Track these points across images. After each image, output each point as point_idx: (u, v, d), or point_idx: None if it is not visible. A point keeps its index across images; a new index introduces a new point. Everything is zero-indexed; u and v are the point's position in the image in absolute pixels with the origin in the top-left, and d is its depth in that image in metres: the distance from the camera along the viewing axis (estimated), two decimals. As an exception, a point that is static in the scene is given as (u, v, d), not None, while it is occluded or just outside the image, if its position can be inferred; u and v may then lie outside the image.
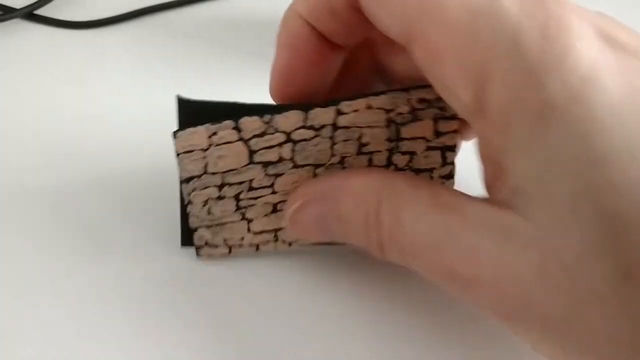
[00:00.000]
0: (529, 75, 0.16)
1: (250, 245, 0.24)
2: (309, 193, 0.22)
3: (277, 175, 0.22)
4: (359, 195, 0.20)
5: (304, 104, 0.21)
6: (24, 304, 0.24)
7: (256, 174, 0.22)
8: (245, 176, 0.22)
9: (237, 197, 0.23)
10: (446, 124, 0.22)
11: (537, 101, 0.16)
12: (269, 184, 0.22)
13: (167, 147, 0.29)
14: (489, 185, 0.19)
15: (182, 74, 0.34)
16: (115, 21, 0.37)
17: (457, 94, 0.17)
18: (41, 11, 0.36)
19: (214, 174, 0.22)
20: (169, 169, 0.25)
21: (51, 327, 0.23)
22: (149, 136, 0.30)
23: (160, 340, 0.23)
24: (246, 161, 0.22)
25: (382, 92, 0.21)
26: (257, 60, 0.35)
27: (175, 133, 0.21)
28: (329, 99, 0.21)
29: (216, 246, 0.24)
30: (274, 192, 0.23)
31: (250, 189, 0.22)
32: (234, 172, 0.22)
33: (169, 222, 0.25)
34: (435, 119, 0.22)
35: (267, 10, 0.39)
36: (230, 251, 0.24)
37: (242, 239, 0.24)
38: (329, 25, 0.21)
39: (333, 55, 0.22)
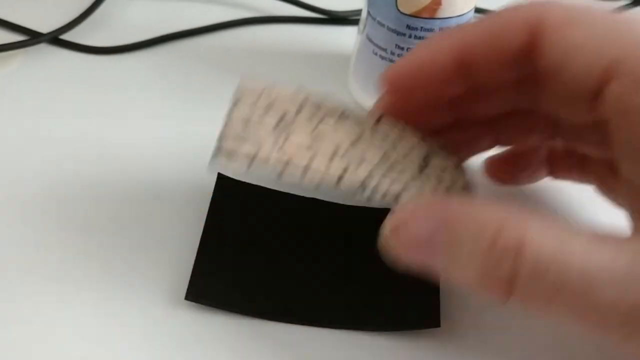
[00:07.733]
0: None
1: (277, 162, 0.22)
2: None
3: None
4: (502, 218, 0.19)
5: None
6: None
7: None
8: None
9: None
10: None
11: None
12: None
13: (190, 174, 0.29)
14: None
15: (206, 99, 0.34)
16: (140, 47, 0.37)
17: None
18: (67, 36, 0.37)
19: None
20: (193, 197, 0.27)
21: None
22: (173, 163, 0.30)
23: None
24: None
25: None
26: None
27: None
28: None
29: (236, 158, 0.22)
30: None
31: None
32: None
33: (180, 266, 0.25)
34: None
35: (290, 38, 0.38)
36: (249, 166, 0.22)
37: (270, 151, 0.22)
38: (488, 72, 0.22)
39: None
